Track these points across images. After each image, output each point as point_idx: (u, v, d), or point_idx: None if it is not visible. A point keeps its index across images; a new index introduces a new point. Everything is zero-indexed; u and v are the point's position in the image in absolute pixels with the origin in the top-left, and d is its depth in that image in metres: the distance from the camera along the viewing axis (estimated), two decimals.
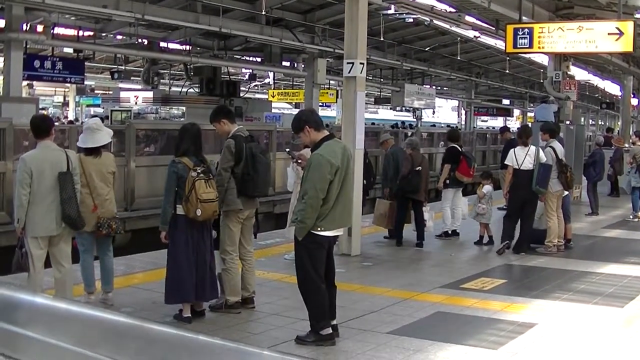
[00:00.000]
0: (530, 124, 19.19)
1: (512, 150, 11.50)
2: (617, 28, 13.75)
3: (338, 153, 6.44)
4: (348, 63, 10.85)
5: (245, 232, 7.65)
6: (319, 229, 6.32)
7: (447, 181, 12.65)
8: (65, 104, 44.43)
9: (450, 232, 12.75)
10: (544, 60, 23.72)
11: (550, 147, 11.61)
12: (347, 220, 6.84)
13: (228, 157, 7.31)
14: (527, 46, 14.94)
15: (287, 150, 9.89)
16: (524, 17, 16.01)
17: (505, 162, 11.60)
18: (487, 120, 64.08)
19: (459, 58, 32.21)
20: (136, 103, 26.45)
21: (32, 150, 7.10)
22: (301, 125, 6.58)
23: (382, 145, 13.17)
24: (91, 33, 23.17)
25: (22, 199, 6.73)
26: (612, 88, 39.39)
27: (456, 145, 12.85)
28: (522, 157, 11.16)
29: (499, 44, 22.92)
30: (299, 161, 7.47)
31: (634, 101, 33.05)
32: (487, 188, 12.15)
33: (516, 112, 56.59)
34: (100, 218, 7.47)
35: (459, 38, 28.44)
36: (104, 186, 7.58)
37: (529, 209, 11.40)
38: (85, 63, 24.25)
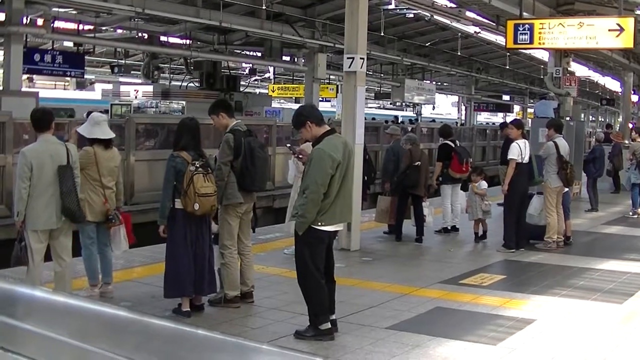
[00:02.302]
0: (530, 120, 19.17)
1: (514, 143, 11.30)
2: (618, 24, 13.74)
3: (339, 148, 6.44)
4: (348, 58, 10.84)
5: (244, 227, 7.66)
6: (319, 223, 6.32)
7: (440, 178, 12.65)
8: None
9: (449, 227, 12.76)
10: (544, 56, 23.70)
11: (554, 142, 11.61)
12: (348, 216, 6.83)
13: (227, 151, 7.31)
14: (528, 42, 14.94)
15: (288, 145, 9.87)
16: (524, 13, 16.00)
17: (510, 157, 11.33)
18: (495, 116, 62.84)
19: (459, 53, 32.12)
20: (136, 97, 26.39)
21: (33, 143, 7.13)
22: (302, 120, 6.58)
23: (391, 138, 13.16)
24: (91, 27, 23.10)
25: (22, 193, 6.76)
26: (612, 84, 39.33)
27: (448, 142, 12.82)
28: (525, 151, 11.18)
29: (500, 39, 22.88)
30: (300, 156, 7.46)
31: (634, 97, 32.99)
32: (484, 184, 12.11)
33: (516, 108, 56.53)
34: (110, 210, 7.54)
35: (459, 33, 28.38)
36: (111, 179, 7.65)
37: (525, 202, 11.47)
38: (86, 57, 24.20)
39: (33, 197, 6.77)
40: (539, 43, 14.98)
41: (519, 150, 11.16)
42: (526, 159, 11.16)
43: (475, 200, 11.95)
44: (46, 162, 6.80)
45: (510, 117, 51.54)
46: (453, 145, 12.76)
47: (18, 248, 6.88)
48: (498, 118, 57.29)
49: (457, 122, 41.63)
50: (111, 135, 7.84)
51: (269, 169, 14.67)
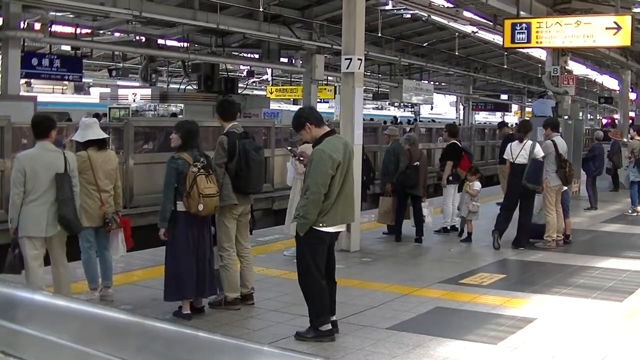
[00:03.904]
0: (528, 119, 19.16)
1: (509, 144, 11.57)
2: (615, 22, 13.76)
3: (340, 148, 6.44)
4: (346, 59, 10.84)
5: (242, 229, 7.67)
6: (320, 224, 6.32)
7: (450, 177, 12.64)
8: None
9: (449, 227, 12.76)
10: (542, 55, 23.73)
11: (552, 141, 11.62)
12: (350, 216, 6.80)
13: (221, 153, 7.34)
14: (525, 41, 14.96)
15: (289, 148, 9.88)
16: (521, 12, 16.02)
17: (504, 157, 11.64)
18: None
19: (457, 53, 32.16)
20: (134, 100, 26.39)
21: (28, 149, 7.08)
22: (302, 122, 6.59)
23: (388, 139, 13.14)
24: (89, 30, 23.11)
25: (14, 198, 6.71)
26: (610, 82, 39.34)
27: (456, 141, 12.85)
28: (517, 152, 11.18)
29: (497, 39, 22.90)
30: (301, 159, 7.46)
31: (632, 95, 33.00)
32: (478, 185, 12.06)
33: (514, 107, 56.54)
34: (107, 214, 7.51)
35: (456, 33, 28.40)
36: (109, 183, 7.62)
37: (526, 203, 11.41)
38: (83, 60, 24.20)
39: (26, 204, 6.71)
40: (537, 42, 15.00)
41: (509, 151, 11.30)
42: (520, 160, 11.14)
43: (465, 198, 11.93)
44: (40, 168, 6.74)
45: (509, 117, 51.69)
46: (461, 145, 12.82)
47: (12, 255, 6.79)
48: (496, 117, 57.25)
49: (454, 121, 41.58)
50: (104, 135, 7.81)
51: (266, 172, 14.66)
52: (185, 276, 6.97)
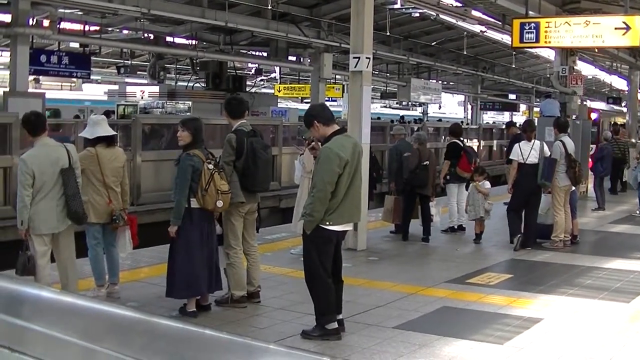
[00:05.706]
0: (536, 119, 19.12)
1: (516, 144, 11.53)
2: (624, 22, 13.70)
3: (348, 147, 6.43)
4: (354, 58, 10.84)
5: (249, 227, 7.67)
6: (327, 223, 6.32)
7: (448, 177, 12.62)
8: None
9: (456, 227, 12.73)
10: (550, 55, 23.66)
11: (561, 141, 11.59)
12: (356, 216, 6.81)
13: (229, 151, 7.35)
14: (534, 41, 14.90)
15: (303, 137, 9.89)
16: (530, 12, 15.97)
17: (510, 157, 11.57)
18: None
19: (465, 53, 32.09)
20: (142, 98, 26.42)
21: (31, 149, 6.98)
22: (310, 121, 6.60)
23: (393, 138, 13.15)
24: (97, 28, 23.16)
25: (25, 200, 6.68)
26: (619, 83, 39.21)
27: (457, 141, 12.81)
28: (528, 152, 11.16)
29: (506, 38, 22.88)
30: (314, 149, 7.43)
31: None
32: (488, 184, 12.01)
33: (522, 107, 56.44)
34: (114, 211, 7.53)
35: (465, 33, 28.34)
36: (116, 180, 7.64)
37: (533, 202, 11.40)
38: (92, 58, 24.23)
39: (36, 202, 6.71)
40: (545, 42, 14.94)
41: (519, 152, 11.23)
42: (531, 160, 11.12)
43: (477, 199, 11.82)
44: (48, 167, 6.75)
45: (516, 117, 51.60)
46: (462, 144, 12.78)
47: (25, 258, 6.74)
48: (505, 117, 57.20)
49: (462, 122, 41.53)
50: (112, 132, 7.82)
51: (274, 170, 14.68)
52: (198, 273, 7.00)
